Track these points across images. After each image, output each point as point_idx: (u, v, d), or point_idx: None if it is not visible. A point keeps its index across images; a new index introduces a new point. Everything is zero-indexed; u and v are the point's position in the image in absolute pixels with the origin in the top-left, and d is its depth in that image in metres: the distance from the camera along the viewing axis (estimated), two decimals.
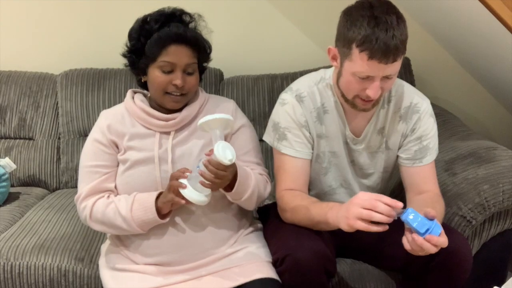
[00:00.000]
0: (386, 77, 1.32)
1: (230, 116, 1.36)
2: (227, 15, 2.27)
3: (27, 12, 2.26)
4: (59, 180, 2.15)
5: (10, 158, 2.00)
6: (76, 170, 2.10)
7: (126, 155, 1.46)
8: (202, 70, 1.55)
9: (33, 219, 1.80)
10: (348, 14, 1.32)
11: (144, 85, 1.52)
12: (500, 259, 1.62)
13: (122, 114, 1.51)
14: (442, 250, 1.33)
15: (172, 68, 1.41)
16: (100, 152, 1.47)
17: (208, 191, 1.34)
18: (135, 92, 1.56)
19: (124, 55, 1.51)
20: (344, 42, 1.32)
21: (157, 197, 1.39)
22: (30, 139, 2.17)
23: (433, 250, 1.21)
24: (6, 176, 1.94)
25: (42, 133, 2.15)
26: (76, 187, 2.09)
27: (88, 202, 1.43)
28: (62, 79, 2.16)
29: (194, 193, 1.32)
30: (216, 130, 1.33)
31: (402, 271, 1.51)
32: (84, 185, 1.46)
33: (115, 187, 1.47)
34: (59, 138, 2.16)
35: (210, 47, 1.53)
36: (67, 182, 2.13)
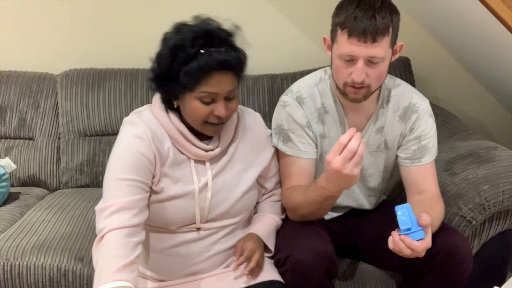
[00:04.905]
0: (371, 62, 1.32)
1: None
2: (227, 15, 2.26)
3: (27, 12, 2.25)
4: (59, 180, 2.14)
5: (10, 158, 2.00)
6: (75, 170, 2.11)
7: (161, 184, 1.30)
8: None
9: (33, 219, 1.80)
10: (339, 4, 1.37)
11: (171, 105, 1.34)
12: (500, 259, 1.62)
13: (161, 131, 1.32)
14: (442, 250, 1.34)
15: (213, 98, 1.27)
16: (145, 168, 1.26)
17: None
18: (165, 105, 1.34)
19: (151, 79, 1.32)
20: (332, 27, 1.37)
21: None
22: (30, 139, 2.16)
23: (407, 251, 1.21)
24: (6, 176, 1.94)
25: (42, 133, 2.15)
26: (76, 187, 2.11)
27: (112, 223, 1.18)
28: (62, 79, 2.16)
29: None
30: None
31: (402, 271, 1.51)
32: (119, 197, 1.21)
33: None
34: (59, 138, 2.16)
35: (246, 58, 1.33)
36: (67, 182, 2.13)
